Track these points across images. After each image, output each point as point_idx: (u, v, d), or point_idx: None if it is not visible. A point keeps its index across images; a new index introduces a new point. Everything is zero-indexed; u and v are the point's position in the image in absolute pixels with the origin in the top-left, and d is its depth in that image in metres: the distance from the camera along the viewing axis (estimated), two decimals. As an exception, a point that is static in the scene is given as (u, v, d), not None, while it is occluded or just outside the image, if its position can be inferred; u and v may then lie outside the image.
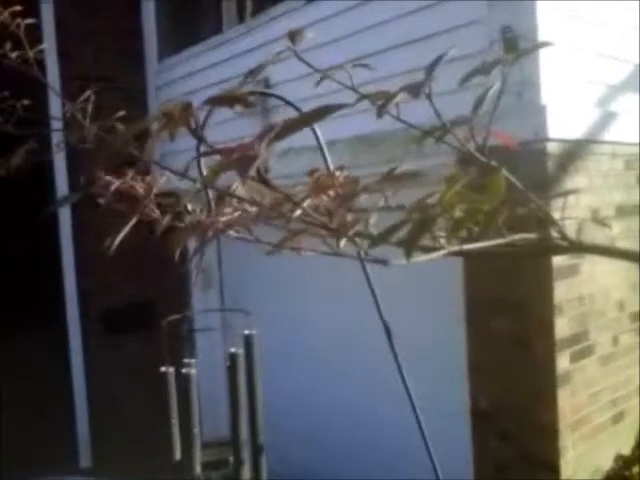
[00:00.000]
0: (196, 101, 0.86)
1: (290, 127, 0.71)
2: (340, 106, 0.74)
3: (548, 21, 3.02)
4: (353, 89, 0.89)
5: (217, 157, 0.82)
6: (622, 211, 3.51)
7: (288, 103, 1.93)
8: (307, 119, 0.74)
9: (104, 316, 5.66)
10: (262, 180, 0.73)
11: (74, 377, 5.65)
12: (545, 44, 0.85)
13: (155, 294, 5.54)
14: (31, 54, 1.25)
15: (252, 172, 0.68)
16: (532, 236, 0.83)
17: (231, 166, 0.68)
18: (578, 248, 0.85)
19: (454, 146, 0.80)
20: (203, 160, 1.19)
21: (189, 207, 1.22)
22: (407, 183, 0.78)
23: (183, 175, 1.11)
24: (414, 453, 2.65)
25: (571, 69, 3.23)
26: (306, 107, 0.95)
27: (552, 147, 3.04)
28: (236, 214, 0.93)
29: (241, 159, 0.67)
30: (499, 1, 3.13)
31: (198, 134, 0.74)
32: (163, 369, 2.20)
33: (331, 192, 0.76)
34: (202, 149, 0.80)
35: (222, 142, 0.91)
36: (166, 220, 0.98)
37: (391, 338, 2.12)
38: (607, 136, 3.37)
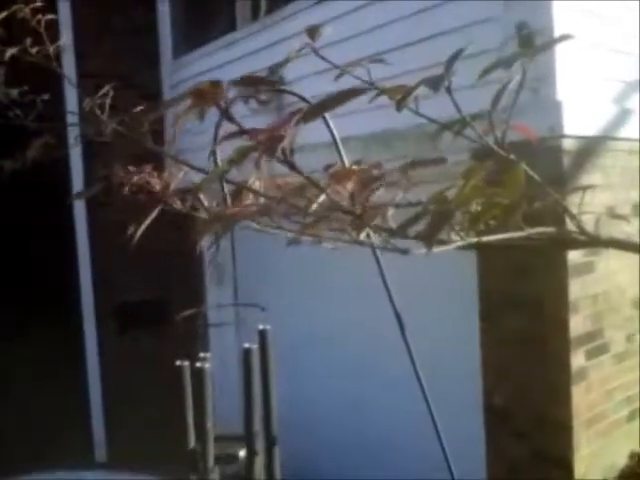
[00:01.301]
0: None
1: (316, 110, 0.72)
2: (363, 90, 0.75)
3: (564, 18, 3.00)
4: (371, 84, 0.89)
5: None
6: (639, 209, 3.49)
7: (304, 100, 1.93)
8: (332, 103, 0.75)
9: (119, 311, 5.71)
10: (288, 162, 0.74)
11: (89, 372, 5.70)
12: (564, 38, 0.85)
13: (170, 290, 5.58)
14: (51, 50, 1.26)
15: (279, 152, 0.68)
16: (549, 230, 0.84)
17: (259, 146, 0.69)
18: (596, 242, 0.85)
19: (473, 140, 0.80)
20: (220, 153, 1.20)
21: (203, 200, 1.23)
22: (431, 167, 0.78)
23: (199, 169, 1.12)
24: (428, 449, 2.65)
25: (587, 65, 3.21)
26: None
27: (568, 143, 3.02)
28: (255, 207, 0.94)
29: (268, 139, 0.68)
30: (514, -3, 3.12)
31: (228, 113, 0.75)
32: (178, 363, 2.21)
33: (352, 180, 0.77)
34: (223, 133, 0.81)
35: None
36: (184, 211, 0.99)
37: (404, 332, 2.12)
38: (623, 133, 3.35)
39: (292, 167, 0.75)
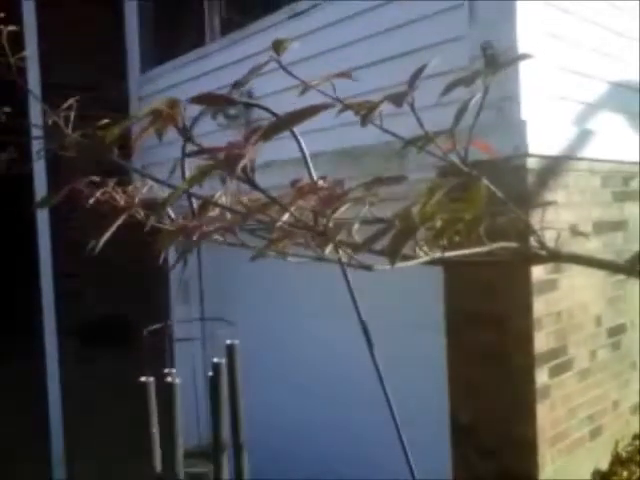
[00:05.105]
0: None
1: (276, 127, 0.72)
2: (325, 106, 0.75)
3: (528, 39, 3.07)
4: (337, 99, 0.90)
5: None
6: (599, 227, 3.56)
7: (272, 114, 1.93)
8: (293, 119, 0.75)
9: (82, 328, 5.60)
10: (249, 180, 0.73)
11: (49, 390, 5.57)
12: (524, 56, 0.87)
13: (134, 307, 5.49)
14: (12, 60, 1.24)
15: (239, 171, 0.68)
16: (512, 245, 0.85)
17: (218, 165, 0.68)
18: (556, 257, 0.86)
19: (437, 156, 0.81)
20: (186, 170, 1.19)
21: (171, 213, 1.22)
22: (392, 185, 0.78)
23: (165, 183, 1.10)
24: (395, 467, 2.64)
25: (550, 86, 3.29)
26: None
27: (532, 162, 3.08)
28: (218, 222, 0.93)
29: (228, 158, 0.67)
30: (480, 18, 3.18)
31: (186, 132, 0.75)
32: (143, 379, 2.17)
33: (315, 197, 0.76)
34: (188, 151, 0.80)
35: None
36: (149, 224, 0.98)
37: (372, 348, 2.12)
38: (585, 153, 3.43)
39: (253, 185, 0.75)
